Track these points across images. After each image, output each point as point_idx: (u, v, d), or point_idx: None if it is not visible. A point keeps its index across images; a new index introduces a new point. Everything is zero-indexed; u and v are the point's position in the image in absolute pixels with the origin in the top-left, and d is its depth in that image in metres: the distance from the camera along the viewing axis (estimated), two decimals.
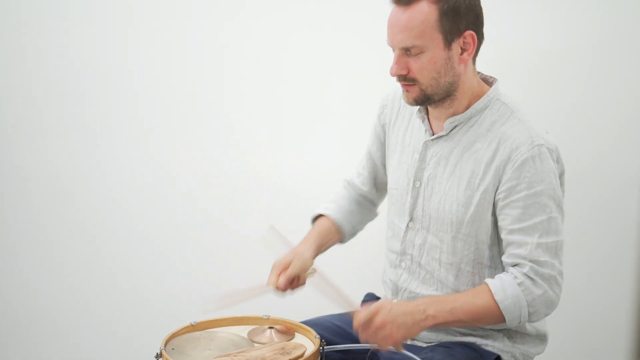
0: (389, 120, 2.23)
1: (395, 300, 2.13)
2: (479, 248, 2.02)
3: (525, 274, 1.92)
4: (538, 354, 2.12)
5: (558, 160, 2.00)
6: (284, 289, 2.09)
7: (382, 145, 2.27)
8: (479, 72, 2.08)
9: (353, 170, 2.39)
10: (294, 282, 2.11)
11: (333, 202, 2.35)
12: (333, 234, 2.30)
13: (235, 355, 1.88)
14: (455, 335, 2.08)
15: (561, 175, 2.02)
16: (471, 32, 1.96)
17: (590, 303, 2.81)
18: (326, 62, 2.94)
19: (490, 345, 2.06)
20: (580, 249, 2.75)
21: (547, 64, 2.75)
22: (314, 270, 2.13)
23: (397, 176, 2.16)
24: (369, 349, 2.12)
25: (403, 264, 2.14)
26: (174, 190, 3.10)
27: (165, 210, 3.11)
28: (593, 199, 2.77)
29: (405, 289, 2.13)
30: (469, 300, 1.93)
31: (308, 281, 2.13)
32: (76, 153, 3.10)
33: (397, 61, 1.97)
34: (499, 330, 2.06)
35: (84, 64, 3.05)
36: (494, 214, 1.99)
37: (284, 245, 2.14)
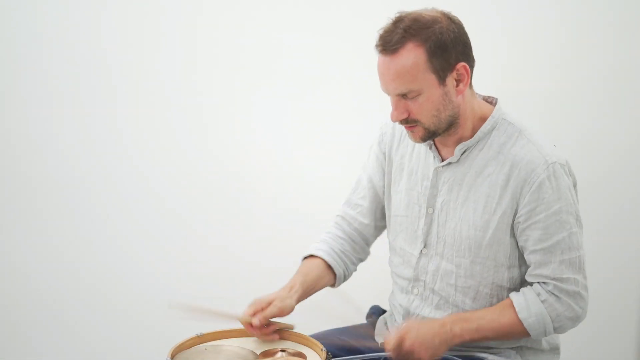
0: (389, 146, 2.19)
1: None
2: (498, 271, 2.02)
3: (549, 292, 1.95)
4: None
5: (570, 173, 2.00)
6: (256, 329, 2.01)
7: (384, 173, 2.21)
8: (477, 94, 2.06)
9: (343, 205, 2.29)
10: (269, 328, 2.03)
11: (324, 242, 2.25)
12: (322, 279, 2.21)
13: None
14: (465, 351, 2.06)
15: (574, 186, 2.02)
16: (462, 63, 1.94)
17: (601, 313, 2.80)
18: (324, 65, 2.93)
19: None
20: (590, 261, 2.74)
21: (561, 80, 2.75)
22: (292, 327, 2.06)
23: (406, 203, 2.13)
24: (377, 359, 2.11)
25: (415, 290, 2.13)
26: (181, 195, 3.10)
27: (170, 213, 3.11)
28: (603, 212, 2.76)
29: (418, 314, 2.12)
30: (494, 318, 1.97)
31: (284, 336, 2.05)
32: (81, 153, 3.08)
33: (396, 107, 1.96)
34: (511, 348, 2.06)
35: (84, 64, 3.02)
36: (512, 236, 1.99)
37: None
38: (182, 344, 2.00)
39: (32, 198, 3.09)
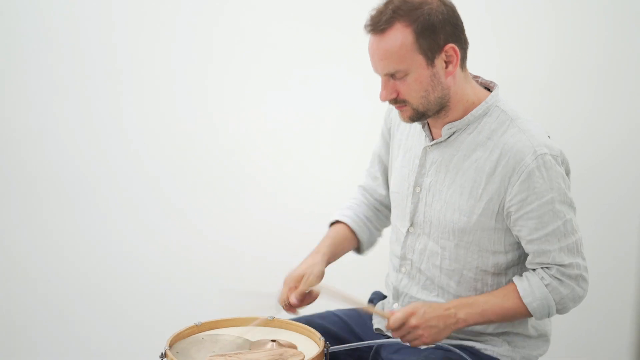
0: (394, 122, 2.23)
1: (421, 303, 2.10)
2: (482, 255, 2.03)
3: (552, 276, 1.97)
4: (540, 355, 2.13)
5: (563, 162, 2.00)
6: (297, 307, 2.08)
7: (389, 148, 2.26)
8: (478, 77, 2.08)
9: (365, 176, 2.35)
10: (306, 299, 2.09)
11: (349, 209, 2.31)
12: (348, 243, 2.27)
13: (230, 356, 1.88)
14: (454, 339, 2.08)
15: (567, 175, 2.02)
16: (451, 44, 1.94)
17: (595, 305, 2.81)
18: (326, 62, 2.94)
19: (490, 350, 2.07)
20: (586, 252, 2.75)
21: (557, 69, 2.75)
22: (326, 288, 2.10)
23: (399, 179, 2.16)
24: (373, 346, 2.14)
25: (403, 269, 2.15)
26: (180, 187, 3.10)
27: (170, 207, 3.11)
28: (598, 202, 2.77)
29: (406, 294, 2.14)
30: (498, 303, 1.99)
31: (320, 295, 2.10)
32: (82, 150, 3.08)
33: (385, 86, 1.98)
34: (498, 335, 2.08)
35: (88, 59, 3.03)
36: (498, 222, 2.00)
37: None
38: (181, 332, 2.02)
39: (33, 194, 3.09)
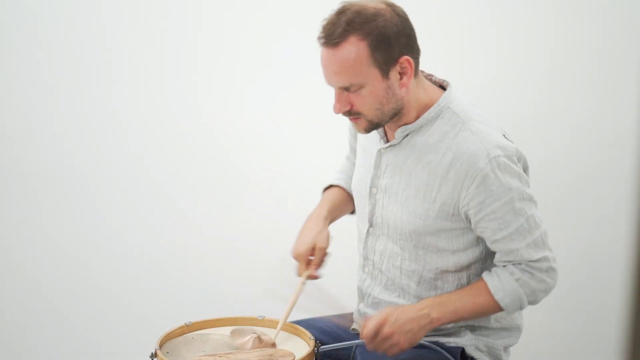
0: None
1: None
2: (442, 256, 2.03)
3: (522, 270, 1.96)
4: (508, 345, 2.13)
5: (519, 159, 1.98)
6: (318, 276, 2.12)
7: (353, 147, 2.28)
8: (432, 75, 2.06)
9: (349, 151, 2.35)
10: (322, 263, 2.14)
11: (343, 172, 2.33)
12: (345, 205, 2.29)
13: (220, 356, 1.89)
14: None
15: (525, 170, 2.00)
16: (406, 57, 1.91)
17: (583, 302, 2.82)
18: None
19: (454, 341, 2.07)
20: (572, 248, 2.76)
21: (554, 68, 2.76)
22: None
23: (358, 179, 2.15)
24: (355, 346, 2.13)
25: (366, 269, 2.15)
26: (179, 186, 3.11)
27: (168, 207, 3.12)
28: (584, 199, 2.77)
29: (370, 294, 2.14)
30: (470, 300, 1.98)
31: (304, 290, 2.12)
32: (79, 150, 3.09)
33: (338, 99, 1.95)
34: (461, 326, 2.07)
35: (84, 57, 3.04)
36: (454, 223, 1.98)
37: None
38: (171, 332, 2.02)
39: (29, 192, 3.10)
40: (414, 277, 2.05)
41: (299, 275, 2.12)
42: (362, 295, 2.16)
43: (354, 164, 2.27)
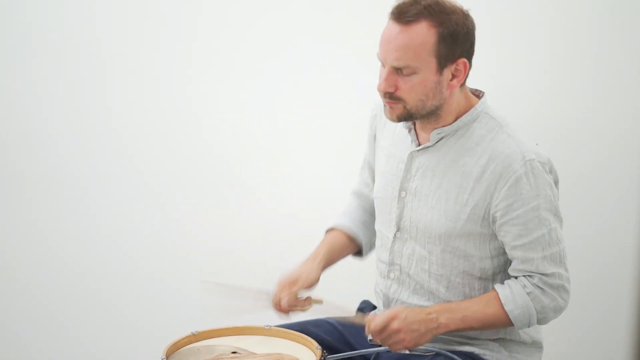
0: (378, 128, 2.22)
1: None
2: (469, 260, 2.03)
3: (534, 284, 1.97)
4: None
5: (551, 171, 2.00)
6: (287, 311, 2.08)
7: (374, 153, 2.26)
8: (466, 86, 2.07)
9: (357, 182, 2.36)
10: (298, 304, 2.09)
11: (345, 215, 2.32)
12: (344, 249, 2.27)
13: None
14: (453, 345, 2.09)
15: (556, 184, 2.02)
16: (464, 60, 1.95)
17: (590, 310, 2.82)
18: (321, 63, 2.94)
19: (489, 355, 2.07)
20: (580, 256, 2.75)
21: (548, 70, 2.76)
22: (320, 301, 2.11)
23: (382, 184, 2.15)
24: (371, 355, 2.13)
25: (392, 275, 2.14)
26: (175, 191, 3.09)
27: (166, 211, 3.10)
28: (592, 205, 2.77)
29: (397, 300, 2.14)
30: (480, 309, 1.99)
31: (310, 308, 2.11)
32: (74, 153, 3.08)
33: (387, 78, 1.95)
34: (494, 340, 2.08)
35: (78, 59, 3.02)
36: (484, 228, 2.00)
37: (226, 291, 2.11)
38: (177, 342, 2.02)
39: (24, 195, 3.09)
40: (443, 281, 2.06)
41: (272, 302, 2.09)
42: (388, 303, 2.15)
43: (368, 183, 2.29)
